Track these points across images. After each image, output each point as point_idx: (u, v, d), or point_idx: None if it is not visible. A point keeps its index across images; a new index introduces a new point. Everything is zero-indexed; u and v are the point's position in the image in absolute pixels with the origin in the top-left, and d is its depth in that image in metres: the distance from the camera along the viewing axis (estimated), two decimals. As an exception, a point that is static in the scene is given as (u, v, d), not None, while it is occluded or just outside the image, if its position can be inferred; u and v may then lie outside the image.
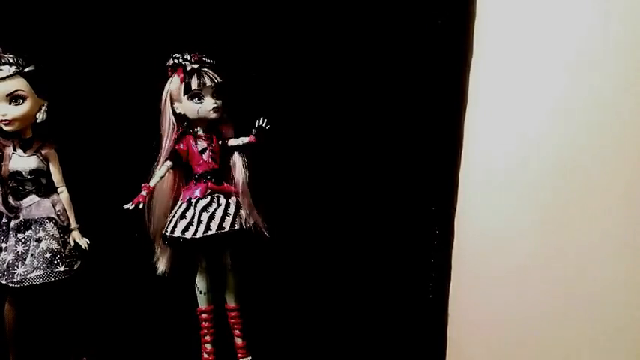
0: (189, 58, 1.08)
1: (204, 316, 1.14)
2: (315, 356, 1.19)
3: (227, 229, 1.08)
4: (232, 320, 1.15)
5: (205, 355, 1.15)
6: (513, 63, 0.82)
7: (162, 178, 1.10)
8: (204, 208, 1.09)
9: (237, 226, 1.09)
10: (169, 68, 1.11)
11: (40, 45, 1.09)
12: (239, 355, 1.16)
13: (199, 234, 1.07)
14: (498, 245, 0.88)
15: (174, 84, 1.10)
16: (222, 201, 1.10)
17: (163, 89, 1.11)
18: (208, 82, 1.07)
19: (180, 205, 1.11)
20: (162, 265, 1.14)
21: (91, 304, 1.17)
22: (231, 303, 1.15)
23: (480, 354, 0.94)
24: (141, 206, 1.05)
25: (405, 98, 1.14)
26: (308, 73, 1.16)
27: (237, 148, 1.13)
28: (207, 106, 1.09)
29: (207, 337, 1.15)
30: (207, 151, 1.10)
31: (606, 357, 0.72)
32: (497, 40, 0.86)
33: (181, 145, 1.10)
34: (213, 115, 1.09)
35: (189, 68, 1.08)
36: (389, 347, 1.18)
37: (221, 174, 1.12)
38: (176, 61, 1.08)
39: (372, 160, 1.19)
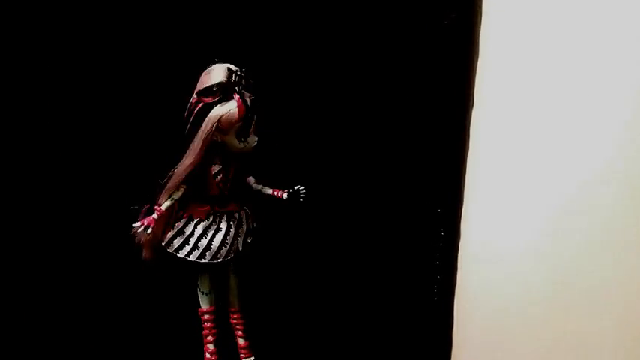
0: (243, 80, 0.89)
1: (206, 316, 1.14)
2: (319, 357, 1.18)
3: (221, 259, 1.05)
4: (234, 321, 1.15)
5: (208, 356, 1.14)
6: (520, 64, 0.82)
7: (175, 200, 1.04)
8: (204, 233, 1.05)
9: (231, 255, 1.06)
10: (216, 86, 0.90)
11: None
12: (242, 355, 1.16)
13: (192, 257, 1.05)
14: (504, 248, 0.87)
15: (227, 111, 0.91)
16: (224, 224, 1.06)
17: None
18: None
19: (181, 219, 1.07)
20: (145, 252, 1.07)
21: (93, 302, 1.17)
22: (233, 304, 1.15)
23: (486, 357, 0.93)
24: (149, 230, 1.00)
25: (411, 99, 1.13)
26: (312, 74, 1.15)
27: (256, 192, 1.05)
28: (250, 144, 0.98)
29: (210, 338, 1.14)
30: (220, 175, 1.03)
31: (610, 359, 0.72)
32: (503, 42, 0.86)
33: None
34: (250, 151, 1.00)
35: (249, 102, 0.90)
36: (393, 349, 1.17)
37: (229, 198, 1.06)
38: (233, 79, 0.88)
39: (376, 161, 1.18)
